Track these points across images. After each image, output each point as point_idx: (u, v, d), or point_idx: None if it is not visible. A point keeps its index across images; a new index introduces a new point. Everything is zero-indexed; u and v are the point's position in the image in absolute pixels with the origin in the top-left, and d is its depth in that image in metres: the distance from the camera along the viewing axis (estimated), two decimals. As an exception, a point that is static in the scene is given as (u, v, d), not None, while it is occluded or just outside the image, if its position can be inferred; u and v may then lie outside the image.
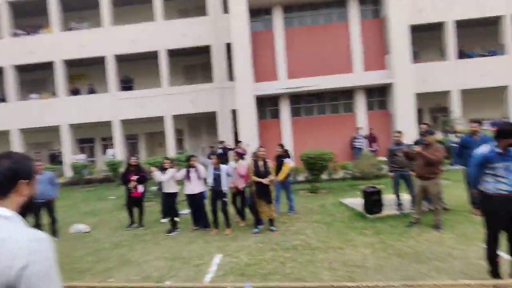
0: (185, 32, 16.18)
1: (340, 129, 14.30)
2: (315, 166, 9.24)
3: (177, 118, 17.04)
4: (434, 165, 5.08)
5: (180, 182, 6.89)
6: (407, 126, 12.30)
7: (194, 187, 6.39)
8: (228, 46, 15.24)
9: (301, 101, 14.83)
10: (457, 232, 5.07)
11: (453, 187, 7.78)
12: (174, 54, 16.96)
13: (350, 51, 14.35)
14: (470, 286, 2.02)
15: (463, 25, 15.86)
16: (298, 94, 14.53)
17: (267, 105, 15.00)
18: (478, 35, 16.86)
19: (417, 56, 16.93)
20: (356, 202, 7.17)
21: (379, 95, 14.70)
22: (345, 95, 14.65)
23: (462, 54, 16.05)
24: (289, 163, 6.85)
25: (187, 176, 6.40)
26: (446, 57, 15.66)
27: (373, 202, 6.22)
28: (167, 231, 6.45)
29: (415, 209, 5.55)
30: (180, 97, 16.33)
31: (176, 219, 6.67)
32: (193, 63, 18.47)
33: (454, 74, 15.22)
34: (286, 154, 7.11)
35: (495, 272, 3.39)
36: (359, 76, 14.16)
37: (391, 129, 13.73)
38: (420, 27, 15.62)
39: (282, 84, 14.43)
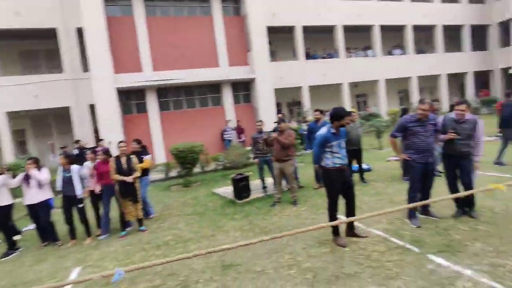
0: (19, 10, 13.21)
1: (210, 122, 14.60)
2: (186, 159, 9.11)
3: (15, 115, 13.88)
4: (288, 148, 5.76)
5: (19, 192, 5.61)
6: (269, 118, 13.57)
7: (35, 195, 5.26)
8: (80, 31, 13.30)
9: (169, 95, 14.38)
10: (310, 204, 5.91)
11: (305, 168, 9.03)
12: (4, 36, 13.65)
13: (216, 46, 14.73)
14: (323, 226, 2.42)
15: (309, 31, 18.55)
16: (165, 87, 14.02)
17: (132, 99, 13.90)
18: (320, 40, 20.06)
19: (275, 55, 18.85)
20: (227, 190, 7.46)
21: (244, 90, 15.69)
22: (213, 89, 15.02)
23: (308, 56, 18.82)
24: (148, 161, 6.40)
25: (26, 183, 5.24)
26: (297, 58, 18.05)
27: (241, 188, 6.59)
28: (2, 255, 5.16)
29: (276, 190, 6.16)
30: (17, 90, 13.30)
31: (15, 237, 5.40)
32: (34, 49, 15.32)
33: (303, 73, 17.70)
34: (144, 151, 6.59)
35: (336, 231, 4.10)
36: (225, 70, 14.74)
37: (255, 120, 14.90)
38: (276, 29, 17.41)
39: (147, 76, 13.61)
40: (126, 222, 5.58)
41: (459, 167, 4.34)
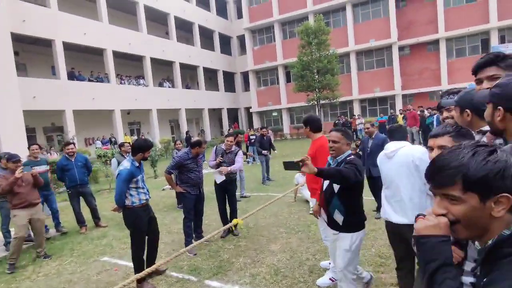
0: None
1: None
2: None
3: None
4: (40, 186, 4.64)
5: None
6: (16, 147, 10.64)
7: None
8: None
9: None
10: (76, 253, 4.95)
11: (69, 208, 7.62)
12: None
13: None
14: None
15: (74, 49, 16.48)
16: None
17: None
18: (89, 61, 18.31)
19: (25, 69, 15.37)
20: None
21: (-26, 109, 11.61)
22: None
23: (72, 76, 16.59)
24: None
25: None
26: (58, 76, 15.50)
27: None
28: None
29: (11, 249, 4.63)
30: None
31: None
32: None
33: (67, 95, 15.38)
34: None
35: (142, 268, 3.56)
36: None
37: (-5, 151, 11.28)
38: (27, 39, 14.29)
39: None
40: None
41: (227, 191, 5.05)
